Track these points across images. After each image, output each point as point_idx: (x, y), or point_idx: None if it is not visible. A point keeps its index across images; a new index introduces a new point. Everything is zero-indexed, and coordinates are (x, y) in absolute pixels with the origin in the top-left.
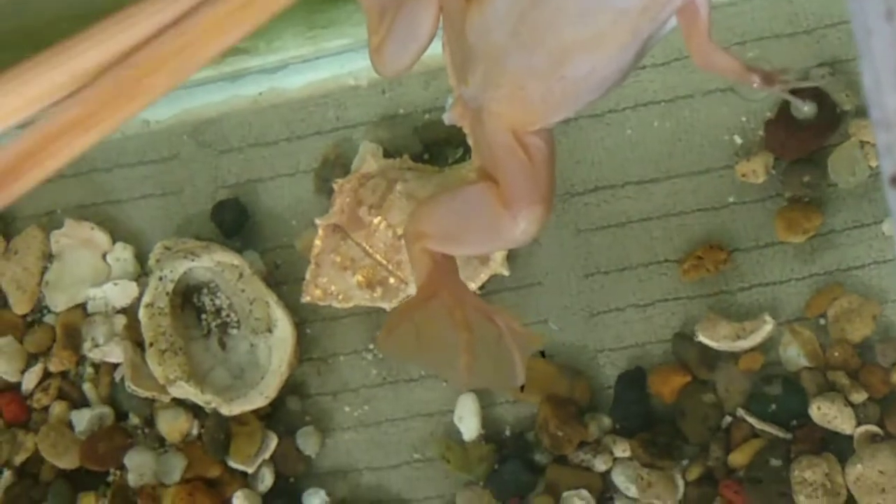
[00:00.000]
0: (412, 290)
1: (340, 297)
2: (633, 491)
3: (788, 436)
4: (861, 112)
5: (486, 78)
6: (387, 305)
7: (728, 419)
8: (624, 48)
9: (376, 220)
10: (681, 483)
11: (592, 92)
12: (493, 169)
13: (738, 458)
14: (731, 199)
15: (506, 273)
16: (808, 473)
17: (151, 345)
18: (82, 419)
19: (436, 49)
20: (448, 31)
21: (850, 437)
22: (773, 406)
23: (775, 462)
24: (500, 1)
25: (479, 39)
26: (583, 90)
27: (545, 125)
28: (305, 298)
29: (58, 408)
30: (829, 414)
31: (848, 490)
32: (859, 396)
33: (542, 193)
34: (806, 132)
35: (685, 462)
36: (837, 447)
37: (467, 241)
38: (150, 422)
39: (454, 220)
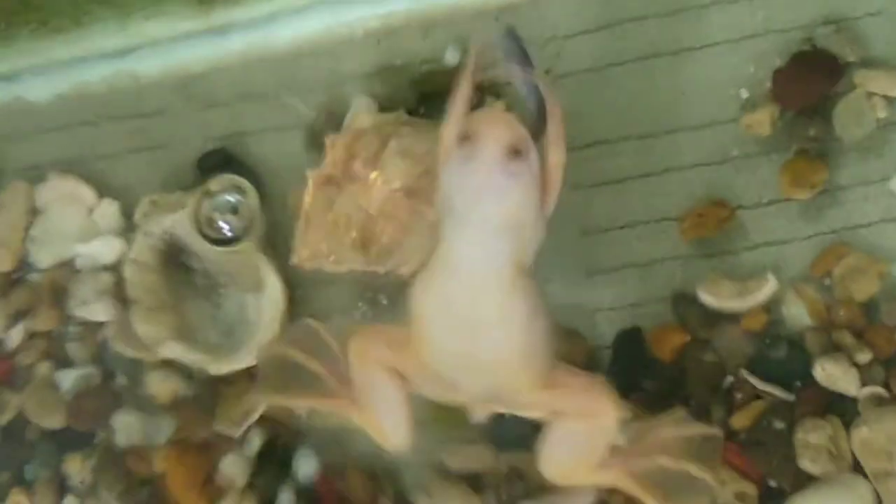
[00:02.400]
0: (407, 251)
1: (332, 258)
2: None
3: (792, 397)
4: (867, 62)
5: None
6: (381, 269)
7: (729, 379)
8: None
9: (372, 175)
10: None
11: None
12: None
13: (740, 420)
14: (734, 153)
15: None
16: (813, 436)
17: (137, 302)
18: (68, 379)
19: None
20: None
21: (855, 399)
22: (776, 367)
23: (778, 424)
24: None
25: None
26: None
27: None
28: (294, 259)
29: (43, 367)
30: (833, 375)
31: (853, 453)
32: (864, 357)
33: None
34: (813, 80)
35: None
36: (842, 409)
37: None
38: (137, 382)
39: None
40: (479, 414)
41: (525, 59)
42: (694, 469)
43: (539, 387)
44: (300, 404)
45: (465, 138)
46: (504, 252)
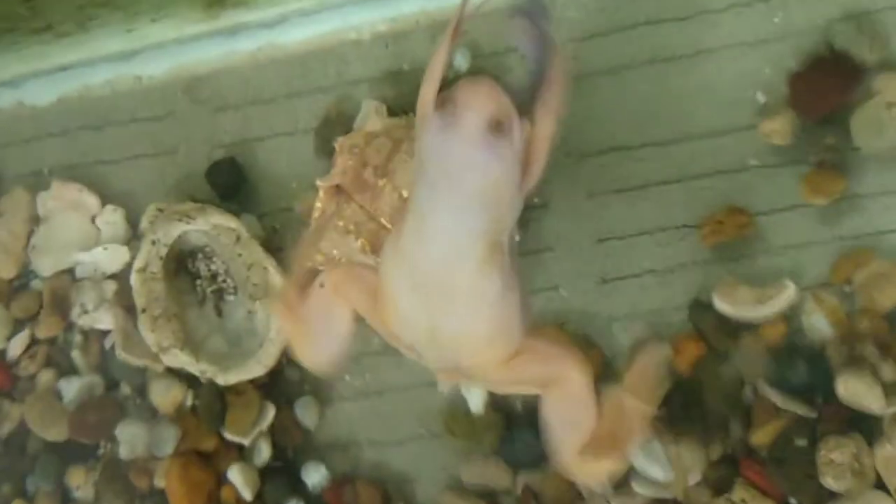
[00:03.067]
0: None
1: (342, 262)
2: (650, 471)
3: (813, 414)
4: (888, 64)
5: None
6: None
7: (749, 394)
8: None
9: (381, 183)
10: (703, 457)
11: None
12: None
13: (761, 437)
14: (752, 161)
15: (515, 237)
16: (836, 454)
17: (144, 311)
18: (71, 388)
19: (439, 2)
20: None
21: (879, 416)
22: (797, 381)
23: (800, 442)
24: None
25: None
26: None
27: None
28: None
29: (45, 376)
30: (857, 392)
31: (877, 471)
32: (890, 373)
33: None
34: (831, 85)
35: (706, 439)
36: (866, 426)
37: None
38: (142, 392)
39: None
40: (444, 384)
41: (543, 19)
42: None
43: (510, 358)
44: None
45: (446, 104)
46: (477, 225)
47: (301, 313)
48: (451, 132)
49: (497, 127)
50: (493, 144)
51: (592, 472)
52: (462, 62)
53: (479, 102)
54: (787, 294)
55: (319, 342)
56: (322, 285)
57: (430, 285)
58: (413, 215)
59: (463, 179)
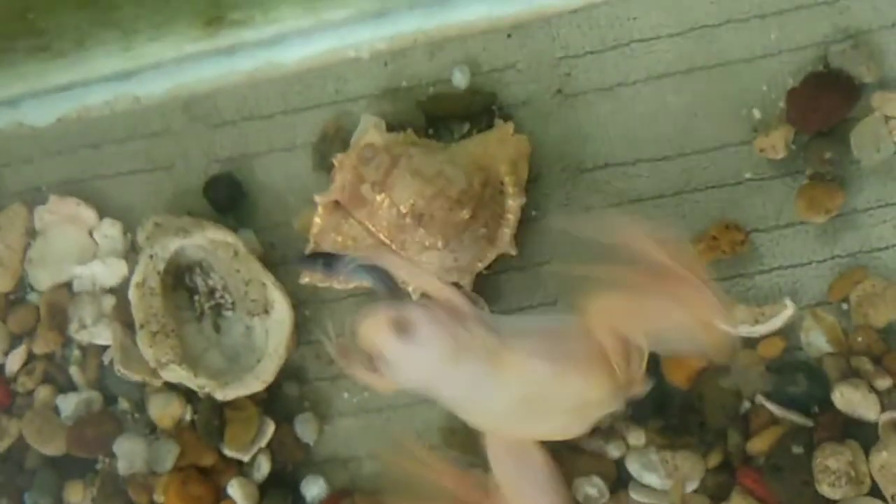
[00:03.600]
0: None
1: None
2: (647, 478)
3: (810, 423)
4: (885, 84)
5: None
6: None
7: (747, 405)
8: None
9: (380, 198)
10: (700, 466)
11: None
12: None
13: (758, 445)
14: (748, 176)
15: (513, 252)
16: (832, 461)
17: (142, 326)
18: (69, 404)
19: (438, 20)
20: None
21: (874, 424)
22: (795, 392)
23: (797, 449)
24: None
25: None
26: None
27: None
28: (304, 279)
29: (43, 392)
30: (852, 400)
31: (872, 478)
32: (884, 382)
33: None
34: (828, 102)
35: (704, 448)
36: (861, 434)
37: None
38: (140, 407)
39: None
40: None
41: (329, 262)
42: None
43: (601, 362)
44: None
45: (371, 362)
46: (473, 362)
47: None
48: (393, 363)
49: (398, 325)
50: (409, 331)
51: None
52: (461, 80)
53: (375, 335)
54: (786, 314)
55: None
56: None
57: (529, 412)
58: (466, 415)
59: (433, 361)
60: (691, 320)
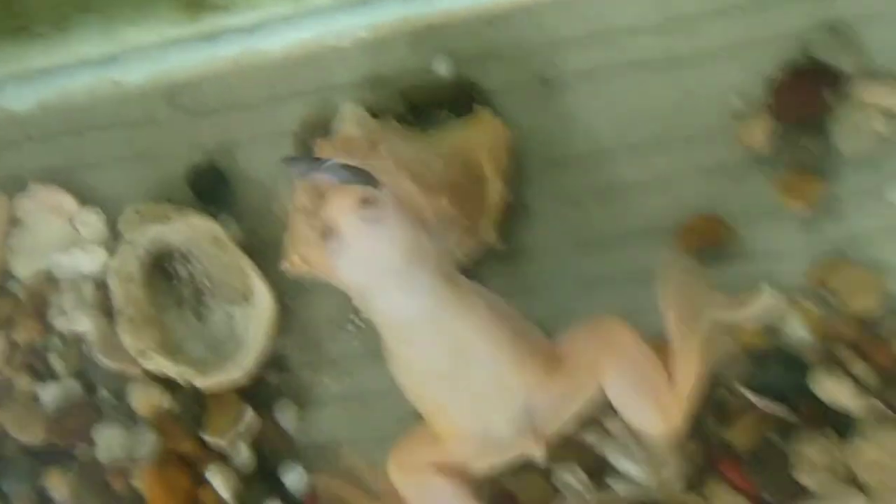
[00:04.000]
0: None
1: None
2: (626, 466)
3: (789, 411)
4: (865, 73)
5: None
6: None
7: (725, 394)
8: None
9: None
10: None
11: None
12: None
13: (737, 435)
14: (730, 167)
15: (494, 242)
16: (810, 450)
17: (122, 314)
18: (49, 392)
19: (420, 8)
20: None
21: (854, 413)
22: (773, 381)
23: (775, 438)
24: None
25: None
26: None
27: None
28: (285, 265)
29: (23, 380)
30: (832, 389)
31: (850, 468)
32: (864, 371)
33: None
34: (809, 92)
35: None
36: (840, 423)
37: None
38: (120, 395)
39: None
40: (538, 451)
41: (313, 162)
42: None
43: (554, 369)
44: None
45: (324, 232)
46: (426, 281)
47: None
48: (341, 241)
49: (365, 202)
50: (372, 215)
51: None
52: (443, 68)
53: (338, 203)
54: (765, 301)
55: None
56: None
57: (442, 358)
58: (382, 327)
59: (386, 260)
60: (657, 399)
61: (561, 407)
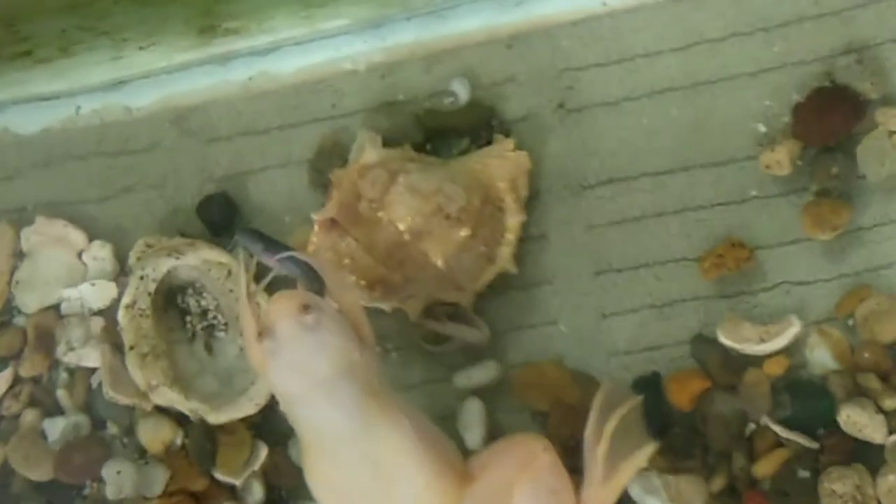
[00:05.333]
0: (413, 289)
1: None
2: (649, 502)
3: (816, 445)
4: (890, 99)
5: None
6: (386, 306)
7: (752, 427)
8: None
9: (377, 216)
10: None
11: None
12: None
13: (764, 468)
14: (753, 193)
15: (513, 271)
16: (838, 485)
17: (132, 348)
18: (56, 428)
19: (435, 31)
20: None
21: (882, 447)
22: (800, 413)
23: (803, 473)
24: None
25: None
26: None
27: None
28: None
29: (29, 416)
30: (859, 422)
31: (879, 502)
32: (891, 403)
33: None
34: (834, 117)
35: (707, 472)
36: (868, 457)
37: None
38: (129, 431)
39: None
40: None
41: (270, 245)
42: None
43: (469, 485)
44: None
45: (263, 333)
46: (353, 397)
47: None
48: (277, 344)
49: (305, 309)
50: (310, 324)
51: None
52: (462, 92)
53: (280, 306)
54: (793, 331)
55: None
56: None
57: (365, 485)
58: (304, 438)
59: (316, 371)
60: None
61: None
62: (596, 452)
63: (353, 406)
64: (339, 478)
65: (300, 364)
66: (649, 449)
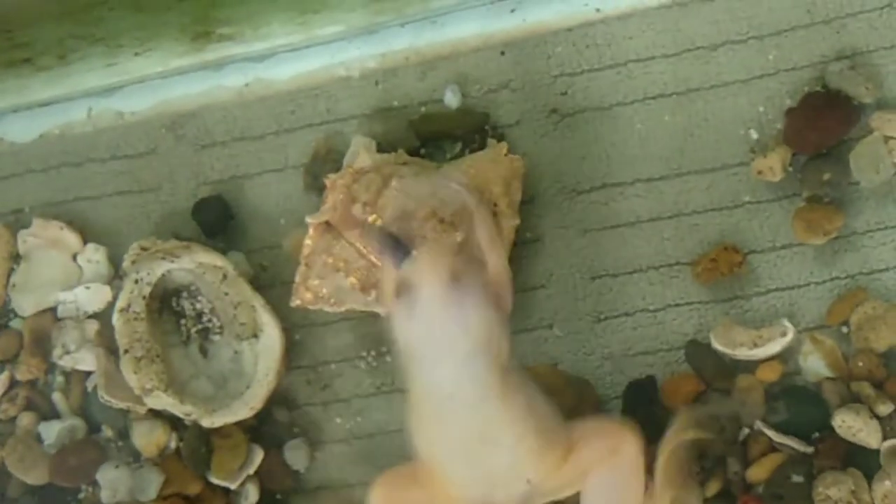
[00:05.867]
0: None
1: (332, 300)
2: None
3: (810, 450)
4: (883, 104)
5: None
6: (381, 310)
7: (746, 431)
8: None
9: (371, 219)
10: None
11: None
12: None
13: (758, 472)
14: (746, 198)
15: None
16: (833, 490)
17: (126, 352)
18: (52, 431)
19: (430, 38)
20: None
21: (877, 452)
22: (794, 418)
23: (797, 478)
24: None
25: None
26: None
27: None
28: (295, 302)
29: (25, 419)
30: (853, 427)
31: None
32: (885, 408)
33: None
34: (826, 123)
35: (702, 476)
36: (863, 462)
37: None
38: (124, 434)
39: None
40: None
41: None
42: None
43: (563, 463)
44: None
45: (402, 290)
46: (482, 370)
47: None
48: (422, 304)
49: (455, 278)
50: (460, 295)
51: None
52: (453, 99)
53: (430, 269)
54: (786, 337)
55: None
56: None
57: (467, 439)
58: (420, 389)
59: (453, 344)
60: None
61: (555, 494)
62: (656, 465)
63: (481, 376)
64: (445, 435)
65: (438, 331)
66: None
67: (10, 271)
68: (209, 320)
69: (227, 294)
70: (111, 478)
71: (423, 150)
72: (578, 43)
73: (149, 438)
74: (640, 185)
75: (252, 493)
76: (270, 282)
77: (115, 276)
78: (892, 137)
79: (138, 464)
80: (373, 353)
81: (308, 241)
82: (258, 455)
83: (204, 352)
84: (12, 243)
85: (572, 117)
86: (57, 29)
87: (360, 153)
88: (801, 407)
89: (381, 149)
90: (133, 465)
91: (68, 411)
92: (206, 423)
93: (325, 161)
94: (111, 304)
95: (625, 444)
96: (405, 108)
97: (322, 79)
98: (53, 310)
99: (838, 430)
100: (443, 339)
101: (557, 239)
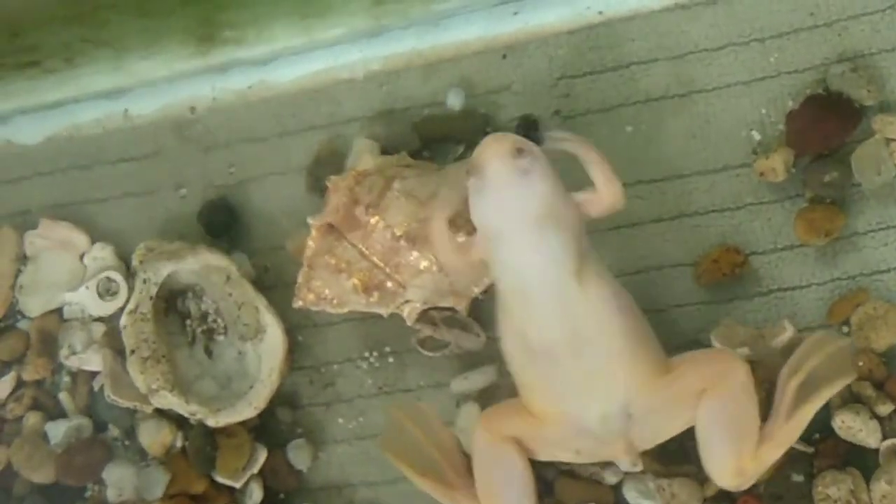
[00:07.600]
0: (410, 294)
1: (335, 301)
2: (639, 501)
3: (810, 449)
4: (886, 107)
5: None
6: (384, 311)
7: None
8: None
9: (373, 220)
10: (699, 494)
11: None
12: None
13: None
14: (748, 200)
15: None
16: (833, 490)
17: (133, 352)
18: (58, 431)
19: (433, 41)
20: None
21: (876, 451)
22: None
23: (797, 477)
24: None
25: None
26: None
27: None
28: (297, 303)
29: (32, 418)
30: (853, 427)
31: None
32: (885, 408)
33: None
34: (828, 125)
35: (702, 475)
36: (862, 462)
37: None
38: (130, 434)
39: None
40: (627, 460)
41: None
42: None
43: (662, 377)
44: (415, 480)
45: (471, 171)
46: (556, 245)
47: (474, 493)
48: (486, 183)
49: (518, 152)
50: (523, 166)
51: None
52: (456, 101)
53: (492, 147)
54: (786, 336)
55: (507, 499)
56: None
57: (554, 332)
58: (502, 282)
59: (524, 211)
60: (740, 451)
61: (657, 423)
62: (788, 387)
63: (559, 254)
64: (532, 331)
65: (507, 203)
66: (844, 381)
67: (18, 272)
68: (214, 321)
69: (230, 295)
70: (117, 476)
71: (425, 153)
72: (581, 45)
73: (155, 438)
74: (641, 186)
75: (256, 492)
76: (273, 283)
77: (129, 275)
78: (893, 139)
79: (144, 463)
80: (375, 353)
81: (311, 243)
82: (262, 454)
83: (209, 352)
84: (19, 244)
85: (575, 119)
86: (64, 32)
87: (363, 155)
88: None
89: (383, 151)
90: (139, 464)
91: (75, 411)
92: (211, 422)
93: (328, 163)
94: (121, 308)
95: (733, 369)
96: (408, 110)
97: (325, 81)
98: (60, 310)
99: (838, 431)
100: (511, 211)
101: None
